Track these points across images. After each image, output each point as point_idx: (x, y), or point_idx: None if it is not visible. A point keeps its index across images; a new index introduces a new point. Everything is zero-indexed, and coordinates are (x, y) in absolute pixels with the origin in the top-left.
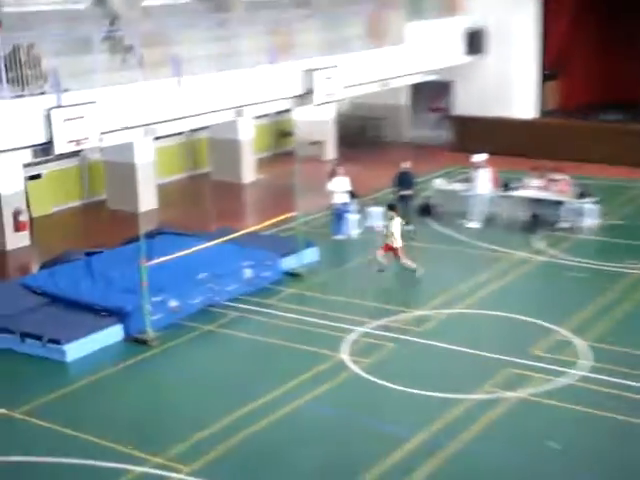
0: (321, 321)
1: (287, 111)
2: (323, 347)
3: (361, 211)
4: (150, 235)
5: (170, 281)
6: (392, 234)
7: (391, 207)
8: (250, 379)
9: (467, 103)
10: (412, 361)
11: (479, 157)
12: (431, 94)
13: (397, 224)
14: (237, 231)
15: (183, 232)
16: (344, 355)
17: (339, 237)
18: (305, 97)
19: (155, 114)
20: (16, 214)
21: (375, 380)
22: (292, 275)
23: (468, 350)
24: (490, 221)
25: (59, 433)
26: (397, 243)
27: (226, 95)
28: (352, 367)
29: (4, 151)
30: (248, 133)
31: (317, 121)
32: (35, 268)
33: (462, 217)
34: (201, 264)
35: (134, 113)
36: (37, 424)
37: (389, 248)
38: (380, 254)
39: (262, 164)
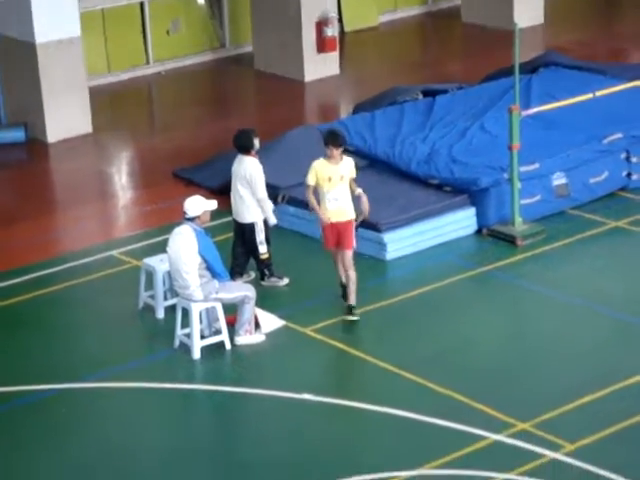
0: None
1: None
2: None
3: None
4: (530, 67)
5: (555, 144)
6: None
7: None
8: None
9: None
10: None
11: None
12: None
13: None
14: None
15: (583, 65)
16: None
17: None
18: None
19: None
20: (321, 26)
21: None
22: None
23: None
24: None
25: (364, 364)
26: None
27: None
28: None
29: None
30: None
31: None
32: (345, 110)
33: None
34: (611, 120)
35: None
36: (333, 347)
37: None
38: None
39: None
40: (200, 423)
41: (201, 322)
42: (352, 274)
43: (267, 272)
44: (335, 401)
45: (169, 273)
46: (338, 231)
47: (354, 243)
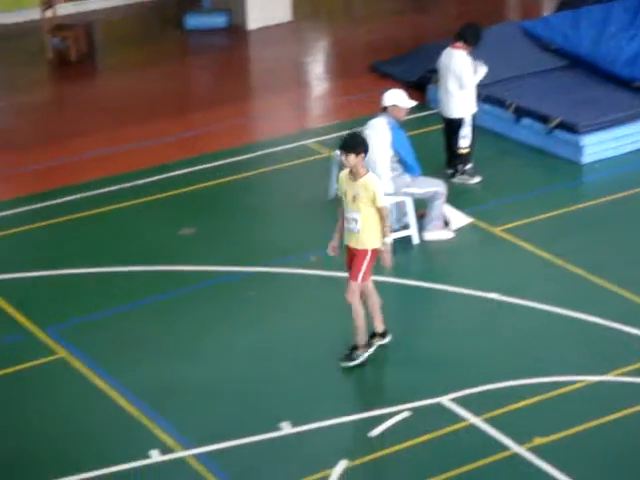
0: None
1: None
2: None
3: None
4: None
5: None
6: None
7: None
8: None
9: None
10: None
11: None
12: None
13: None
14: None
15: None
16: None
17: None
18: None
19: None
20: None
21: None
22: None
23: None
24: None
25: (552, 267)
26: None
27: None
28: None
29: None
30: None
31: None
32: (548, 7)
33: None
34: None
35: None
36: (521, 247)
37: None
38: None
39: None
40: (385, 315)
41: (391, 215)
42: (372, 300)
43: (460, 168)
44: (521, 302)
45: None
46: (351, 256)
47: (360, 277)
